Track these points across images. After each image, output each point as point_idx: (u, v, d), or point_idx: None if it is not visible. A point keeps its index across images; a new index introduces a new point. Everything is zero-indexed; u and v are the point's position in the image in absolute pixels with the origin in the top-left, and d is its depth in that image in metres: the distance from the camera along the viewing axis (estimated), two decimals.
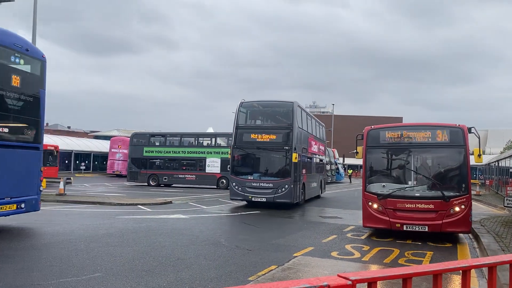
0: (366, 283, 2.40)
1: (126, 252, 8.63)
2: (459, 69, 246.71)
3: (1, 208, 10.17)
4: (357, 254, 9.21)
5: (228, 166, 20.56)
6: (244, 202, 19.05)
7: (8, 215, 10.71)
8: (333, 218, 15.79)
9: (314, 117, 24.46)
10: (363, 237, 11.42)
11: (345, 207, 19.83)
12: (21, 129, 11.17)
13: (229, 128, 21.64)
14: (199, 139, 33.48)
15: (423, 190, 11.12)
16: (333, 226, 13.50)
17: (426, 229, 10.65)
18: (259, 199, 17.71)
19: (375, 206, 11.23)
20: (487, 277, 3.30)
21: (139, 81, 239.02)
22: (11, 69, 10.68)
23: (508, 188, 25.01)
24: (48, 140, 43.84)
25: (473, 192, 11.64)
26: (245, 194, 17.89)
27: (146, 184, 32.35)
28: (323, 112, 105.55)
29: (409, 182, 11.39)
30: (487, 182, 43.43)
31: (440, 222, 10.58)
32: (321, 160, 25.99)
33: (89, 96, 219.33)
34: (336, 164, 50.19)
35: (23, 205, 10.90)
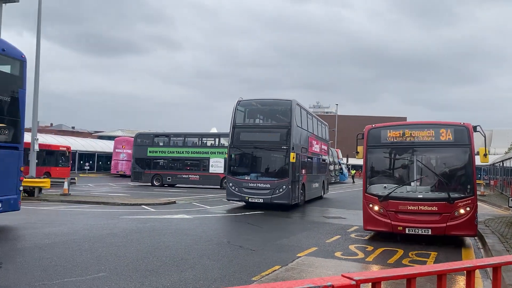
0: (370, 283, 2.40)
1: (130, 252, 8.66)
2: (463, 69, 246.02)
3: None
4: (361, 255, 9.20)
5: None
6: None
7: None
8: (336, 218, 15.76)
9: (316, 116, 24.04)
10: (367, 238, 11.39)
11: (348, 207, 19.79)
12: None
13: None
14: (203, 139, 33.52)
15: (426, 192, 10.68)
16: (336, 226, 13.48)
17: (430, 232, 10.20)
18: (256, 200, 17.28)
19: (376, 208, 10.79)
20: (491, 278, 3.29)
21: (142, 81, 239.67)
22: None
23: None
24: (53, 140, 44.10)
25: (477, 193, 11.07)
26: (241, 194, 17.47)
27: (150, 184, 32.42)
28: (326, 112, 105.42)
29: (412, 183, 10.88)
30: (492, 182, 43.23)
31: (444, 225, 10.11)
32: (323, 160, 25.52)
33: (93, 96, 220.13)
34: (340, 164, 50.11)
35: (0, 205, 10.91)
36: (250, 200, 17.33)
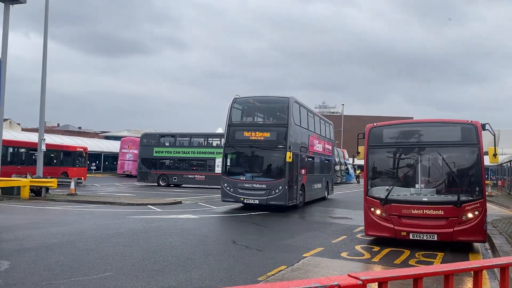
0: (376, 283, 2.39)
1: (136, 252, 8.68)
2: (470, 68, 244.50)
3: None
4: (367, 255, 9.16)
5: None
6: None
7: None
8: (342, 218, 15.72)
9: (318, 115, 23.38)
10: (373, 238, 11.34)
11: (354, 208, 19.70)
12: None
13: None
14: (209, 139, 33.57)
15: (431, 195, 10.02)
16: (342, 226, 13.44)
17: (435, 238, 9.58)
18: (251, 201, 16.73)
19: (378, 212, 10.15)
20: (499, 279, 3.26)
21: (149, 81, 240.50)
22: None
23: None
24: (59, 140, 44.37)
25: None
26: (236, 195, 16.88)
27: (156, 184, 32.52)
28: (332, 113, 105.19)
29: (416, 186, 10.17)
30: (499, 182, 42.93)
31: (450, 230, 9.47)
32: (327, 160, 24.78)
33: (99, 96, 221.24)
34: (346, 165, 50.03)
35: None
36: (245, 201, 16.85)
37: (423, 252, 9.49)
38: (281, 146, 16.68)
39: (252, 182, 16.90)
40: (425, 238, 9.66)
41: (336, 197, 26.36)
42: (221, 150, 30.85)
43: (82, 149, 34.98)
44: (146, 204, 18.26)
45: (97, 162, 53.19)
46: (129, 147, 45.10)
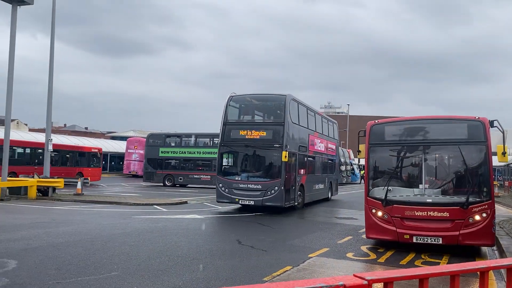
0: (382, 283, 2.39)
1: (142, 252, 8.72)
2: (477, 68, 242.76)
3: None
4: (372, 256, 9.15)
5: None
6: None
7: None
8: (348, 219, 15.69)
9: (320, 113, 22.72)
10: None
11: (359, 208, 19.59)
12: None
13: None
14: (214, 139, 33.57)
15: (436, 195, 9.48)
16: (348, 227, 13.42)
17: (440, 242, 9.07)
18: (246, 202, 16.27)
19: (379, 213, 9.66)
20: (506, 280, 3.25)
21: (154, 82, 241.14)
22: None
23: None
24: (66, 140, 44.61)
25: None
26: (231, 196, 16.36)
27: (161, 184, 32.64)
28: (338, 113, 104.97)
29: (420, 186, 9.66)
30: (506, 183, 42.64)
31: (456, 233, 8.96)
32: (330, 160, 24.09)
33: (105, 97, 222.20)
34: (352, 165, 49.92)
35: None
36: (240, 202, 16.46)
37: (429, 253, 9.44)
38: (277, 145, 16.16)
39: (247, 183, 16.42)
40: (429, 241, 9.17)
41: (340, 198, 25.92)
42: None
43: (97, 150, 35.57)
44: (152, 204, 18.33)
45: (104, 162, 53.39)
46: (135, 147, 45.28)
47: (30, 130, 67.15)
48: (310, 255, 8.84)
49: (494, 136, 9.69)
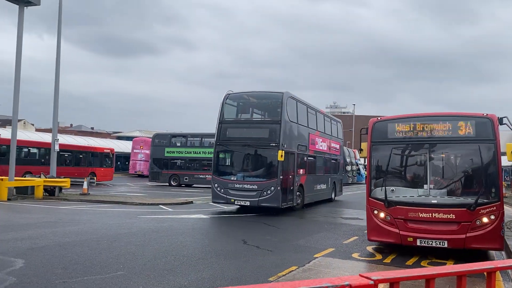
0: (388, 283, 2.38)
1: (148, 251, 8.75)
2: (483, 68, 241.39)
3: None
4: (378, 256, 9.12)
5: None
6: None
7: None
8: (354, 219, 15.65)
9: (322, 112, 22.11)
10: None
11: (365, 209, 19.53)
12: None
13: None
14: None
15: (441, 196, 9.03)
16: (354, 227, 13.38)
17: (446, 245, 8.65)
18: (242, 203, 15.86)
19: (381, 215, 9.26)
20: None
21: (159, 82, 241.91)
22: None
23: None
24: (72, 140, 44.85)
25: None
26: (227, 196, 15.96)
27: (167, 184, 32.72)
28: (343, 113, 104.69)
29: (424, 186, 9.23)
30: None
31: (463, 236, 8.52)
32: (334, 159, 23.55)
33: (111, 97, 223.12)
34: (357, 165, 49.80)
35: None
36: (236, 203, 16.07)
37: (436, 254, 9.38)
38: (273, 144, 15.67)
39: (243, 183, 15.99)
40: (434, 244, 8.75)
41: (345, 199, 25.39)
42: None
43: (109, 150, 36.25)
44: (158, 204, 18.38)
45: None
46: (141, 147, 45.42)
47: (37, 130, 67.55)
48: (315, 255, 8.83)
49: (504, 134, 9.46)
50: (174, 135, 35.66)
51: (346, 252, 9.39)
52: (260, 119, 17.76)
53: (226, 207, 18.02)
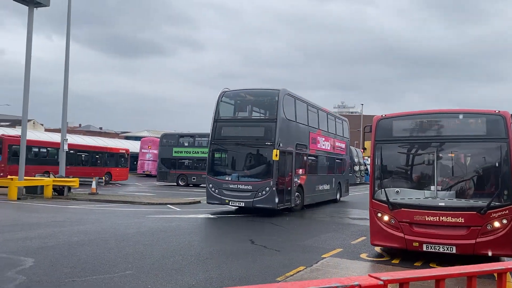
0: (397, 284, 2.36)
1: (156, 251, 8.78)
2: (492, 67, 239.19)
3: None
4: (386, 257, 9.07)
5: None
6: None
7: None
8: (362, 219, 15.58)
9: (325, 110, 21.27)
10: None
11: None
12: None
13: None
14: None
15: (449, 198, 8.46)
16: (362, 227, 13.32)
17: (454, 250, 8.12)
18: (236, 204, 15.34)
19: (385, 218, 8.72)
20: None
21: (167, 82, 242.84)
22: None
23: None
24: (81, 140, 45.16)
25: None
26: (221, 197, 15.45)
27: (175, 184, 32.83)
28: (351, 112, 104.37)
29: (431, 188, 8.64)
30: None
31: (472, 241, 8.00)
32: (338, 159, 22.77)
33: (119, 97, 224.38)
34: (365, 165, 49.59)
35: None
36: (230, 204, 15.55)
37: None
38: (268, 143, 15.13)
39: (238, 183, 15.48)
40: (441, 250, 8.23)
41: (352, 199, 24.54)
42: None
43: (124, 151, 37.03)
44: (166, 204, 18.45)
45: None
46: (149, 147, 45.60)
47: (46, 130, 68.10)
48: (323, 256, 8.80)
49: None
50: (182, 135, 35.75)
51: (354, 252, 9.35)
52: (255, 117, 17.24)
53: (234, 207, 18.02)
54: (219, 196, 15.56)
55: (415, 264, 8.46)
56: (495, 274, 2.97)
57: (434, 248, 8.27)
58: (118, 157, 35.93)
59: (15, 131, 37.29)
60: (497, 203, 8.08)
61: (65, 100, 22.01)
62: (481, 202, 8.19)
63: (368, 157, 10.20)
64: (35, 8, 19.44)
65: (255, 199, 14.98)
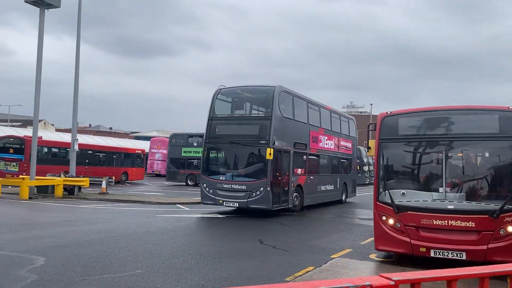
0: (409, 284, 2.35)
1: (166, 250, 8.82)
2: (506, 66, 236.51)
3: None
4: (396, 257, 9.01)
5: None
6: None
7: None
8: (371, 220, 15.47)
9: (328, 108, 20.48)
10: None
11: None
12: None
13: None
14: None
15: (459, 201, 7.91)
16: (371, 228, 13.19)
17: (464, 257, 7.53)
18: (231, 204, 14.92)
19: (390, 221, 8.20)
20: None
21: (176, 82, 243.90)
22: None
23: None
24: (91, 140, 45.52)
25: None
26: (215, 197, 15.04)
27: (184, 183, 32.94)
28: (360, 112, 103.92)
29: (440, 189, 8.10)
30: None
31: (484, 247, 7.40)
32: (344, 159, 22.05)
33: (129, 97, 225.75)
34: None
35: None
36: (224, 204, 15.10)
37: None
38: (263, 142, 14.64)
39: (232, 183, 15.04)
40: (450, 256, 7.66)
41: (360, 200, 23.53)
42: None
43: (140, 151, 37.92)
44: (175, 203, 18.53)
45: None
46: (158, 147, 45.79)
47: (57, 130, 68.72)
48: (332, 256, 8.77)
49: None
50: (191, 135, 35.85)
51: (363, 253, 9.31)
52: (250, 115, 16.77)
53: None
54: (213, 197, 15.15)
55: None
56: (508, 279, 2.93)
57: (442, 254, 7.72)
58: (135, 157, 36.82)
59: (27, 131, 37.73)
60: (510, 206, 7.47)
61: (75, 100, 22.19)
62: (493, 205, 7.62)
63: (372, 156, 9.74)
64: (46, 10, 19.61)
65: (249, 199, 14.54)
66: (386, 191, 8.33)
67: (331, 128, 20.49)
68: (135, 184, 33.58)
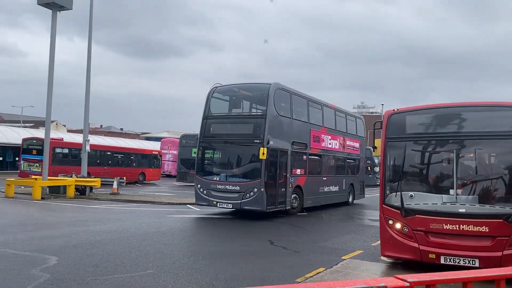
0: (424, 286, 2.32)
1: (177, 250, 8.84)
2: None
3: None
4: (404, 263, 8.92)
5: None
6: None
7: None
8: None
9: (332, 106, 19.64)
10: None
11: None
12: None
13: None
14: None
15: (471, 204, 7.37)
16: None
17: (476, 264, 7.03)
18: (224, 206, 14.48)
19: (398, 226, 7.74)
20: None
21: (186, 83, 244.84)
22: None
23: None
24: (102, 141, 45.91)
25: None
26: (209, 198, 14.64)
27: (194, 184, 33.02)
28: (371, 112, 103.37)
29: (450, 192, 7.60)
30: None
31: (498, 254, 6.90)
32: (350, 159, 21.31)
33: (139, 98, 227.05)
34: None
35: None
36: (218, 205, 14.63)
37: None
38: (257, 141, 14.13)
39: (226, 184, 14.62)
40: (461, 263, 7.14)
41: (370, 202, 22.42)
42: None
43: (157, 152, 39.09)
44: (186, 204, 18.59)
45: None
46: (169, 147, 45.98)
47: (69, 131, 69.38)
48: (343, 257, 8.72)
49: None
50: None
51: (374, 254, 9.23)
52: (245, 114, 16.33)
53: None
54: (207, 197, 14.76)
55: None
56: None
57: (453, 261, 7.23)
58: (152, 158, 37.67)
59: (39, 132, 38.15)
60: None
61: (87, 102, 22.38)
62: (508, 209, 7.10)
63: (376, 156, 9.28)
64: (58, 12, 19.82)
65: (242, 200, 14.08)
66: (393, 193, 7.94)
67: (336, 127, 19.74)
68: (146, 185, 33.78)
